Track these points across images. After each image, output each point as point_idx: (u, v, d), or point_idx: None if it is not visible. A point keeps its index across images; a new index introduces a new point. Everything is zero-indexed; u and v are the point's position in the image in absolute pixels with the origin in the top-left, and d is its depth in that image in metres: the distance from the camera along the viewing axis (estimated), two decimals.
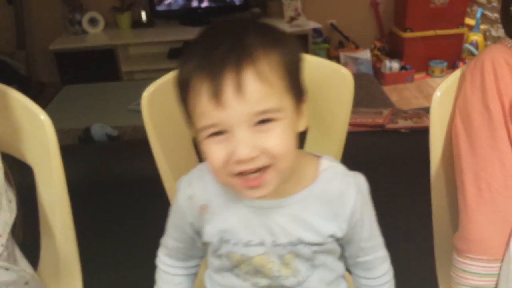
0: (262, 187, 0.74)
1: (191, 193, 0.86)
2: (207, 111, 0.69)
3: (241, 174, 0.72)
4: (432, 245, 1.18)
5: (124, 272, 1.65)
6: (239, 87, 0.67)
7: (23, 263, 1.05)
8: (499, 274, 0.97)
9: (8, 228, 0.98)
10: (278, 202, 0.82)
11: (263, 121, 0.70)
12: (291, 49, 0.75)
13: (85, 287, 1.16)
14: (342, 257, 0.93)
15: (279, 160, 0.72)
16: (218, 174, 0.75)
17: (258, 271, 0.86)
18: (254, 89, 0.68)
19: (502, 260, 0.96)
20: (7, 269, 0.97)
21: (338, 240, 0.86)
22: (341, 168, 0.86)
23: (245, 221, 0.83)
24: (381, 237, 0.91)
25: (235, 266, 0.87)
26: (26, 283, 1.02)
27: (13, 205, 1.02)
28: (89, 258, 1.19)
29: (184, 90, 0.73)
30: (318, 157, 0.87)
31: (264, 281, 0.88)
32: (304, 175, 0.83)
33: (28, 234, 1.10)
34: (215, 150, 0.72)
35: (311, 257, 0.86)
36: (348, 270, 0.97)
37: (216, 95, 0.67)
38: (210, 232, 0.85)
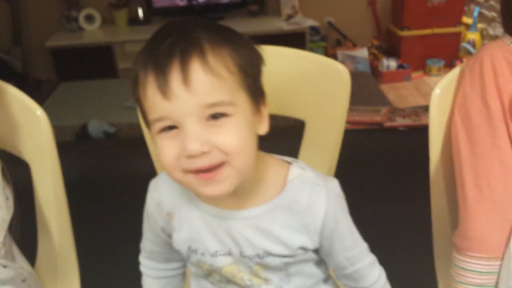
0: (218, 183, 0.70)
1: (158, 199, 0.84)
2: (155, 103, 0.67)
3: (194, 172, 0.69)
4: (431, 243, 1.18)
5: (121, 268, 1.64)
6: (185, 78, 0.65)
7: (21, 260, 1.06)
8: (499, 272, 0.97)
9: (5, 225, 0.98)
10: (243, 212, 0.79)
11: (215, 116, 0.68)
12: (245, 49, 0.72)
13: (82, 284, 1.16)
14: (322, 262, 0.89)
15: (233, 157, 0.69)
16: (171, 172, 0.71)
17: (229, 281, 0.85)
18: (201, 80, 0.66)
19: (502, 258, 0.97)
20: (4, 266, 0.97)
21: (312, 251, 0.83)
22: (311, 176, 0.81)
23: (210, 230, 0.81)
24: (364, 242, 0.87)
25: (207, 274, 0.86)
26: (23, 280, 1.02)
27: (10, 202, 1.01)
28: (86, 254, 1.18)
29: (135, 85, 0.71)
30: (288, 163, 0.83)
31: None
32: (271, 184, 0.80)
33: (25, 231, 1.11)
34: (166, 146, 0.70)
35: (283, 267, 0.83)
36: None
37: (163, 86, 0.66)
38: (178, 241, 0.83)
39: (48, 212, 1.12)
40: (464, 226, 0.99)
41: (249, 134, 0.72)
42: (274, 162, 0.83)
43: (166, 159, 0.70)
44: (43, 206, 1.12)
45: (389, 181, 1.51)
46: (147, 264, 0.95)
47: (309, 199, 0.78)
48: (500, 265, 0.97)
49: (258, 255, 0.80)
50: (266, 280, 0.84)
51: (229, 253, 0.81)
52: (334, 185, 0.82)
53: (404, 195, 1.53)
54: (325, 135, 1.12)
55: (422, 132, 1.10)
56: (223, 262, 0.82)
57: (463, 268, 0.99)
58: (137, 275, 1.00)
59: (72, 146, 1.74)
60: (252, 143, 0.73)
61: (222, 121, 0.68)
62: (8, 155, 1.10)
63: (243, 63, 0.71)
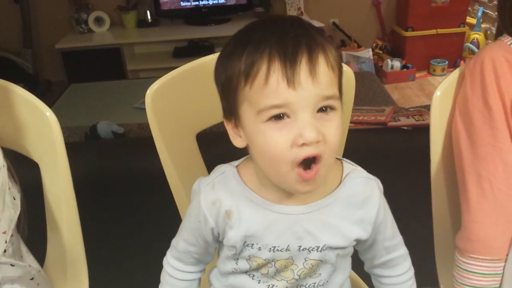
0: (314, 181, 0.74)
1: (215, 198, 0.84)
2: (277, 91, 0.69)
3: (302, 162, 0.71)
4: (432, 244, 1.18)
5: (130, 267, 1.64)
6: (312, 70, 0.69)
7: (29, 259, 1.05)
8: (503, 273, 0.98)
9: (12, 224, 0.98)
10: (305, 207, 0.82)
11: (323, 110, 0.72)
12: (336, 48, 0.78)
13: (91, 282, 1.17)
14: (350, 262, 0.94)
15: (330, 152, 0.73)
16: (278, 163, 0.73)
17: (278, 272, 0.86)
18: (324, 73, 0.70)
19: (506, 260, 0.97)
20: (12, 265, 0.97)
21: (362, 242, 0.88)
22: (363, 172, 0.87)
23: (271, 227, 0.82)
24: (400, 235, 0.92)
25: (255, 269, 0.87)
26: (32, 279, 1.02)
27: (18, 202, 1.01)
28: (95, 253, 1.19)
29: (246, 75, 0.72)
30: (339, 160, 0.87)
31: (281, 284, 0.87)
32: (329, 179, 0.83)
33: (35, 230, 1.10)
34: (277, 135, 0.71)
35: (335, 262, 0.86)
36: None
37: (290, 75, 0.68)
38: (235, 238, 0.83)
39: (58, 211, 1.12)
40: (467, 228, 0.99)
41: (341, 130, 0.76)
42: None
43: (276, 147, 0.71)
44: (52, 206, 1.13)
45: (393, 180, 1.49)
46: (173, 264, 0.95)
47: (365, 193, 0.84)
48: (504, 267, 0.97)
49: (317, 248, 0.83)
50: (316, 274, 0.87)
51: (288, 249, 0.83)
52: (378, 181, 0.87)
53: (407, 194, 1.51)
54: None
55: (425, 131, 1.10)
56: (280, 257, 0.83)
57: (466, 270, 0.99)
58: (146, 273, 0.99)
59: (81, 146, 1.74)
60: None
61: (330, 115, 0.72)
62: (16, 155, 1.10)
63: (340, 63, 0.77)
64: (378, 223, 0.85)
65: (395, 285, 0.94)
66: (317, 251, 0.83)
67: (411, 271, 0.95)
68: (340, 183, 0.84)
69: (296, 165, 0.72)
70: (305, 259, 0.84)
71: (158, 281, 0.99)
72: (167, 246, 0.97)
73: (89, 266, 1.17)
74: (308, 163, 0.72)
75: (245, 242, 0.83)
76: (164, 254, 0.97)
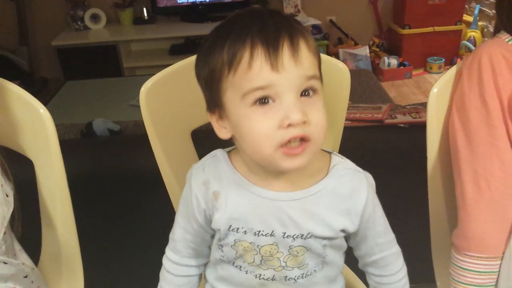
0: (301, 156, 0.74)
1: (205, 179, 0.86)
2: (261, 75, 0.71)
3: (288, 143, 0.73)
4: (429, 241, 1.18)
5: (125, 264, 1.64)
6: (294, 53, 0.72)
7: (23, 257, 1.05)
8: (499, 271, 0.98)
9: (5, 222, 0.97)
10: (291, 194, 0.83)
11: (307, 93, 0.74)
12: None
13: (86, 280, 1.16)
14: (343, 253, 0.93)
15: (318, 134, 0.75)
16: (262, 145, 0.74)
17: (264, 261, 0.86)
18: (305, 56, 0.73)
19: (502, 258, 0.97)
20: (5, 262, 0.96)
21: (350, 235, 0.88)
22: (351, 164, 0.88)
23: (257, 210, 0.83)
24: (393, 233, 0.92)
25: (240, 256, 0.87)
26: (25, 277, 1.02)
27: (11, 199, 1.01)
28: (90, 251, 1.19)
29: (229, 63, 0.73)
30: (328, 152, 0.89)
31: (268, 273, 0.88)
32: (316, 169, 0.84)
33: (30, 228, 1.10)
34: (261, 118, 0.73)
35: (322, 252, 0.86)
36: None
37: (273, 59, 0.71)
38: (219, 219, 0.85)
39: (52, 208, 1.12)
40: (463, 226, 0.99)
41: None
42: None
43: (261, 130, 0.73)
44: (47, 203, 1.12)
45: (389, 177, 1.49)
46: (170, 257, 0.95)
47: (351, 185, 0.85)
48: (500, 265, 0.97)
49: (301, 236, 0.83)
50: (301, 264, 0.87)
51: (272, 234, 0.84)
52: (370, 177, 0.88)
53: (404, 192, 1.53)
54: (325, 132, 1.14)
55: (422, 129, 1.10)
56: (265, 242, 0.84)
57: (462, 268, 0.99)
58: (141, 271, 0.99)
59: (77, 144, 1.74)
60: None
61: (313, 97, 0.75)
62: (11, 152, 1.10)
63: (317, 46, 0.79)
64: (366, 217, 0.86)
65: (388, 284, 0.94)
66: (301, 238, 0.84)
67: (404, 270, 0.95)
68: (327, 173, 0.85)
69: (280, 146, 0.73)
70: (289, 246, 0.85)
71: (153, 278, 0.98)
72: (162, 242, 0.97)
73: (84, 264, 1.16)
74: (295, 143, 0.74)
75: (230, 226, 0.85)
76: (159, 250, 0.97)
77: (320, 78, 0.78)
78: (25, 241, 1.08)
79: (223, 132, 0.81)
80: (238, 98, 0.74)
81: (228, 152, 0.89)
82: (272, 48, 0.71)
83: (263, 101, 0.73)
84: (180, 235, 0.93)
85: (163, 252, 0.98)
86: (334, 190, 0.84)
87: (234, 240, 0.86)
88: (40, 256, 1.18)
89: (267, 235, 0.84)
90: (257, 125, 0.73)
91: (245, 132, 0.76)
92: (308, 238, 0.84)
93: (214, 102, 0.79)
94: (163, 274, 0.97)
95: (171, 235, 0.95)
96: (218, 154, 0.88)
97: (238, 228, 0.85)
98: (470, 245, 0.98)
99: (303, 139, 0.74)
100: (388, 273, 0.93)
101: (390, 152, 1.56)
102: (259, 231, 0.84)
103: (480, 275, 0.98)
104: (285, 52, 0.72)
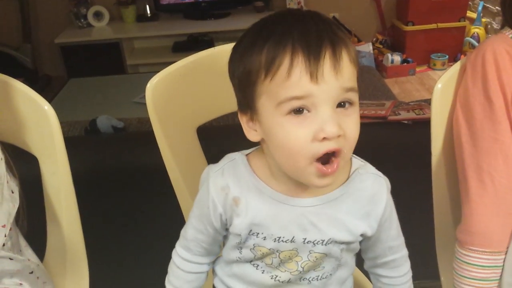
0: (332, 176, 0.74)
1: (224, 184, 0.84)
2: (300, 84, 0.69)
3: (321, 157, 0.72)
4: (433, 236, 1.18)
5: (130, 261, 1.64)
6: (335, 64, 0.70)
7: (28, 253, 1.06)
8: (503, 266, 0.98)
9: (11, 218, 0.98)
10: (312, 200, 0.82)
11: (343, 105, 0.72)
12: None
13: (91, 276, 1.17)
14: (354, 259, 0.93)
15: (349, 148, 0.74)
16: (297, 157, 0.73)
17: (283, 263, 0.86)
18: (346, 67, 0.71)
19: (506, 252, 0.97)
20: (11, 258, 0.97)
21: (366, 239, 0.88)
22: (372, 168, 0.87)
23: (278, 217, 0.82)
24: (402, 236, 0.92)
25: (259, 258, 0.87)
26: (31, 272, 1.02)
27: (16, 195, 1.01)
28: (95, 247, 1.19)
29: (267, 68, 0.71)
30: None
31: (284, 275, 0.87)
32: (338, 173, 0.79)
33: (35, 224, 1.10)
34: (297, 128, 0.71)
35: (339, 256, 0.86)
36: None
37: (313, 69, 0.69)
38: (240, 225, 0.83)
39: (57, 205, 1.13)
40: (467, 221, 0.99)
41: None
42: None
43: (296, 140, 0.71)
44: (52, 200, 1.13)
45: (393, 174, 1.51)
46: (181, 254, 0.94)
47: (373, 189, 0.84)
48: (504, 259, 0.98)
49: (322, 241, 0.83)
50: (319, 267, 0.87)
51: (292, 240, 0.83)
52: (387, 180, 0.87)
53: (408, 188, 1.53)
54: None
55: (426, 125, 1.10)
56: (285, 247, 0.83)
57: (466, 262, 0.99)
58: (146, 267, 0.99)
59: (81, 141, 1.74)
60: None
61: (349, 110, 0.73)
62: (16, 149, 1.10)
63: (357, 57, 0.76)
64: (383, 221, 0.85)
65: (395, 286, 0.94)
66: (322, 244, 0.83)
67: (410, 273, 0.95)
68: (349, 177, 0.84)
69: (315, 160, 0.72)
70: (309, 251, 0.84)
71: (158, 275, 0.99)
72: (167, 239, 0.97)
73: (89, 260, 1.17)
74: (327, 157, 0.72)
75: (251, 230, 0.84)
76: (164, 247, 0.97)
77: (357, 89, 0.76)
78: (31, 238, 1.08)
79: (252, 135, 0.79)
80: (273, 106, 0.72)
81: (247, 155, 0.87)
82: (314, 57, 0.69)
83: (298, 110, 0.71)
84: (193, 235, 0.92)
85: (168, 249, 0.97)
86: (356, 194, 0.83)
87: (253, 244, 0.85)
88: (46, 252, 1.19)
89: (287, 241, 0.83)
90: (291, 135, 0.72)
91: (278, 140, 0.74)
92: (329, 243, 0.83)
93: (247, 104, 0.77)
94: (172, 268, 0.97)
95: (182, 233, 0.94)
96: (237, 158, 0.86)
97: (258, 233, 0.84)
98: (474, 240, 0.98)
99: (335, 153, 0.72)
100: (397, 275, 0.93)
101: (393, 148, 1.56)
102: (280, 237, 0.83)
103: (484, 270, 0.98)
104: (327, 62, 0.69)
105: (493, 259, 0.97)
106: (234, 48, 0.78)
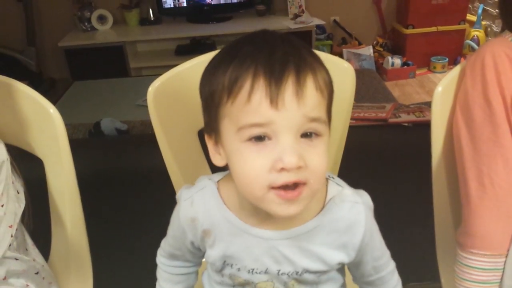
0: (296, 203, 0.69)
1: (193, 215, 0.81)
2: (260, 110, 0.65)
3: (279, 187, 0.67)
4: (433, 239, 1.18)
5: (133, 262, 1.61)
6: (298, 91, 0.65)
7: (34, 253, 1.06)
8: (504, 268, 0.97)
9: (17, 218, 0.98)
10: (284, 233, 0.78)
11: (308, 135, 0.68)
12: (328, 72, 0.73)
13: (95, 276, 1.17)
14: (342, 268, 0.90)
15: (316, 180, 0.69)
16: (253, 186, 0.68)
17: None
18: (311, 95, 0.67)
19: (507, 255, 0.97)
20: (16, 259, 0.98)
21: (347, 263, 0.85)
22: (349, 194, 0.81)
23: (249, 250, 0.80)
24: (387, 250, 0.88)
25: (239, 285, 0.85)
26: (36, 273, 1.03)
27: (22, 196, 1.01)
28: (99, 248, 1.19)
29: (228, 90, 0.67)
30: (326, 177, 0.82)
31: None
32: (312, 203, 0.76)
33: (40, 226, 1.11)
34: (255, 157, 0.67)
35: (316, 280, 0.84)
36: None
37: (274, 94, 0.64)
38: (213, 256, 0.82)
39: (62, 206, 1.13)
40: (467, 224, 0.99)
41: (328, 156, 0.72)
42: None
43: (252, 170, 0.67)
44: (56, 201, 1.13)
45: (393, 176, 1.47)
46: (163, 262, 0.94)
47: (349, 219, 0.79)
48: (505, 262, 0.97)
49: (296, 273, 0.81)
50: None
51: (266, 272, 0.81)
52: (368, 199, 0.82)
53: (408, 190, 1.52)
54: (330, 132, 1.15)
55: (426, 128, 1.10)
56: (259, 279, 0.82)
57: (467, 265, 0.99)
58: (150, 268, 0.98)
59: (85, 143, 1.75)
60: None
61: (314, 141, 0.68)
62: (20, 151, 1.10)
63: (332, 88, 0.72)
64: (363, 246, 0.81)
65: None
66: (296, 275, 0.81)
67: (399, 284, 0.91)
68: (323, 207, 0.79)
69: (271, 188, 0.68)
70: (285, 282, 0.83)
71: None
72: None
73: (93, 261, 1.17)
74: (287, 187, 0.68)
75: (225, 261, 0.82)
76: None
77: (328, 122, 0.72)
78: (36, 239, 1.09)
79: (217, 159, 0.75)
80: (234, 131, 0.68)
81: (218, 181, 0.83)
82: (275, 82, 0.65)
83: (259, 137, 0.67)
84: (171, 251, 0.92)
85: None
86: (331, 225, 0.79)
87: (229, 274, 0.84)
88: (50, 253, 1.19)
89: (261, 272, 0.82)
90: (248, 163, 0.68)
91: (236, 167, 0.70)
92: (303, 274, 0.81)
93: (211, 126, 0.74)
94: (160, 273, 0.96)
95: (162, 245, 0.94)
96: (207, 186, 0.83)
97: (232, 264, 0.82)
98: (474, 243, 0.98)
99: (298, 184, 0.67)
100: None
101: (394, 151, 1.55)
102: (253, 269, 0.81)
103: (485, 272, 0.98)
104: (288, 88, 0.65)
105: (494, 262, 0.97)
106: (205, 69, 0.75)
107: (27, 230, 1.07)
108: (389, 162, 1.51)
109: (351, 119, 1.16)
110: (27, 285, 1.00)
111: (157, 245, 0.98)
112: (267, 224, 0.78)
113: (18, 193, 1.01)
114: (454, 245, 1.04)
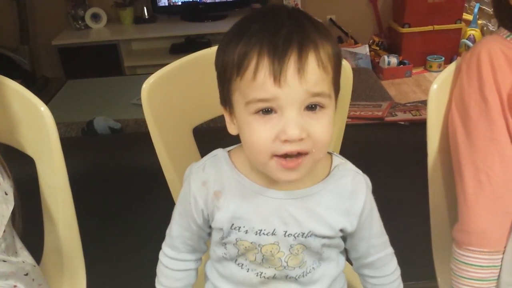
0: (296, 171, 0.75)
1: (205, 179, 0.86)
2: (265, 86, 0.70)
3: (282, 156, 0.73)
4: (429, 237, 1.18)
5: (126, 262, 1.64)
6: (300, 68, 0.69)
7: (24, 254, 1.05)
8: (501, 265, 0.97)
9: (5, 220, 0.97)
10: (293, 193, 0.83)
11: (313, 107, 0.73)
12: (336, 45, 0.76)
13: (88, 277, 1.16)
14: (344, 251, 0.94)
15: (318, 149, 0.74)
16: (258, 153, 0.75)
17: (266, 260, 0.86)
18: (313, 72, 0.70)
19: (504, 252, 0.97)
20: (4, 261, 0.97)
21: (347, 235, 0.89)
22: (352, 166, 0.88)
23: (258, 210, 0.83)
24: (387, 235, 0.93)
25: (242, 254, 0.87)
26: (26, 274, 1.01)
27: (10, 197, 1.00)
28: (92, 248, 1.18)
29: (237, 66, 0.73)
30: (329, 153, 0.89)
31: (269, 272, 0.88)
32: (318, 169, 0.84)
33: (33, 225, 1.10)
34: (261, 128, 0.73)
35: (319, 250, 0.87)
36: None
37: (277, 72, 0.69)
38: (221, 219, 0.85)
39: (54, 206, 1.12)
40: (464, 221, 0.99)
41: (332, 126, 0.77)
42: None
43: (259, 140, 0.73)
44: (48, 200, 1.12)
45: (390, 174, 1.49)
46: (167, 253, 0.95)
47: (352, 186, 0.86)
48: (502, 259, 0.97)
49: (302, 234, 0.84)
50: (301, 262, 0.87)
51: (273, 233, 0.84)
52: (368, 180, 0.89)
53: (404, 188, 1.53)
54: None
55: (422, 126, 1.10)
56: (266, 241, 0.84)
57: (464, 263, 0.99)
58: (143, 268, 0.98)
59: (78, 142, 1.74)
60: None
61: (318, 113, 0.73)
62: (12, 149, 1.10)
63: (338, 59, 0.76)
64: (364, 218, 0.87)
65: (383, 285, 0.95)
66: (302, 237, 0.84)
67: (398, 271, 0.96)
68: (329, 174, 0.86)
69: (274, 156, 0.74)
70: (290, 245, 0.85)
71: (155, 275, 0.99)
72: (163, 240, 0.97)
73: (86, 261, 1.16)
74: (288, 157, 0.73)
75: (233, 224, 0.85)
76: (160, 248, 0.97)
77: (335, 95, 0.77)
78: (27, 239, 1.08)
79: (232, 128, 0.81)
80: (243, 104, 0.74)
81: (229, 151, 0.89)
82: (278, 61, 0.69)
83: (266, 110, 0.72)
84: (178, 232, 0.93)
85: None
86: (335, 190, 0.85)
87: (236, 239, 0.86)
88: (43, 253, 1.19)
89: (268, 234, 0.84)
90: (255, 133, 0.74)
91: (245, 137, 0.76)
92: (308, 236, 0.84)
93: (225, 99, 0.80)
94: (160, 269, 0.97)
95: (168, 232, 0.95)
96: (219, 153, 0.88)
97: (240, 227, 0.85)
98: (471, 240, 0.98)
99: (299, 154, 0.73)
100: (383, 274, 0.94)
101: (390, 149, 1.56)
102: (261, 230, 0.84)
103: (482, 269, 0.98)
104: (291, 65, 0.69)
105: (491, 259, 0.97)
106: (220, 42, 0.79)
107: (17, 231, 1.06)
108: (385, 161, 1.52)
109: (347, 117, 1.15)
110: (15, 286, 0.98)
111: (150, 244, 0.98)
112: (276, 186, 0.83)
113: (6, 194, 0.99)
114: (450, 244, 1.04)
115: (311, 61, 0.70)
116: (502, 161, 0.95)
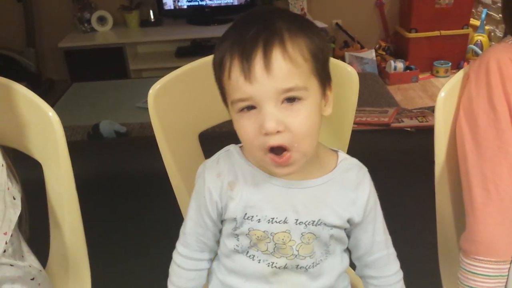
0: (288, 166, 0.79)
1: (219, 171, 0.90)
2: (238, 86, 0.75)
3: (272, 151, 0.77)
4: (435, 245, 1.18)
5: (132, 267, 1.64)
6: (266, 65, 0.73)
7: (30, 259, 1.05)
8: (508, 275, 0.97)
9: (12, 225, 0.98)
10: (303, 182, 0.88)
11: (290, 100, 0.76)
12: (316, 36, 0.79)
13: (93, 281, 1.17)
14: (347, 254, 0.97)
15: (301, 140, 0.77)
16: (252, 149, 0.80)
17: (277, 249, 0.89)
18: (280, 67, 0.74)
19: (511, 262, 0.97)
20: (11, 265, 0.97)
21: (352, 230, 0.93)
22: (356, 161, 0.93)
23: (271, 198, 0.87)
24: (389, 235, 0.96)
25: (254, 245, 0.89)
26: (32, 279, 1.02)
27: (18, 202, 1.01)
28: (97, 253, 1.19)
29: (219, 68, 0.79)
30: (335, 151, 0.94)
31: (280, 261, 0.90)
32: (326, 162, 0.90)
33: (39, 230, 1.11)
34: (245, 124, 0.78)
35: (327, 241, 0.90)
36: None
37: (246, 71, 0.74)
38: (235, 209, 0.88)
39: (60, 210, 1.12)
40: (471, 230, 0.99)
41: (317, 117, 0.81)
42: (325, 146, 0.94)
43: (246, 135, 0.79)
44: (55, 205, 1.13)
45: (396, 181, 1.49)
46: (181, 252, 0.97)
47: (357, 178, 0.90)
48: (509, 268, 0.97)
49: (313, 222, 0.87)
50: (311, 252, 0.90)
51: (285, 221, 0.87)
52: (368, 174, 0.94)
53: (410, 195, 1.52)
54: (333, 136, 1.13)
55: (429, 133, 1.10)
56: (278, 229, 0.87)
57: (471, 272, 0.99)
58: (148, 273, 0.99)
59: (83, 145, 1.74)
60: (318, 125, 0.82)
61: (296, 105, 0.77)
62: (19, 153, 1.11)
63: (316, 50, 0.79)
64: (368, 210, 0.91)
65: (385, 286, 0.96)
66: (312, 225, 0.88)
67: (400, 274, 0.97)
68: (335, 167, 0.90)
69: (267, 151, 0.78)
70: (301, 234, 0.88)
71: (160, 280, 0.99)
72: (168, 244, 0.98)
73: (91, 266, 1.17)
74: (278, 151, 0.77)
75: (246, 214, 0.88)
76: (165, 252, 0.98)
77: (314, 86, 0.79)
78: (34, 243, 1.09)
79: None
80: (230, 103, 0.81)
81: (241, 146, 0.92)
82: (246, 60, 0.74)
83: (249, 107, 0.77)
84: (191, 229, 0.95)
85: (169, 254, 0.99)
86: (342, 181, 0.89)
87: (248, 229, 0.88)
88: (49, 257, 1.19)
89: (280, 222, 0.87)
90: (243, 129, 0.79)
91: (238, 134, 0.82)
92: (318, 225, 0.88)
93: (223, 97, 0.84)
94: (173, 268, 0.99)
95: (182, 229, 0.97)
96: (231, 148, 0.93)
97: (252, 216, 0.88)
98: (478, 249, 0.97)
99: (286, 147, 0.77)
100: (385, 274, 0.95)
101: (396, 156, 1.56)
102: (273, 218, 0.87)
103: (489, 279, 0.97)
104: (258, 62, 0.74)
105: (498, 269, 0.97)
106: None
107: (24, 236, 1.06)
108: (392, 168, 1.52)
109: (353, 123, 1.15)
110: None
111: (157, 249, 1.01)
112: (290, 177, 0.86)
113: (14, 199, 1.00)
114: (457, 252, 1.04)
115: (277, 56, 0.74)
116: (510, 171, 0.95)
